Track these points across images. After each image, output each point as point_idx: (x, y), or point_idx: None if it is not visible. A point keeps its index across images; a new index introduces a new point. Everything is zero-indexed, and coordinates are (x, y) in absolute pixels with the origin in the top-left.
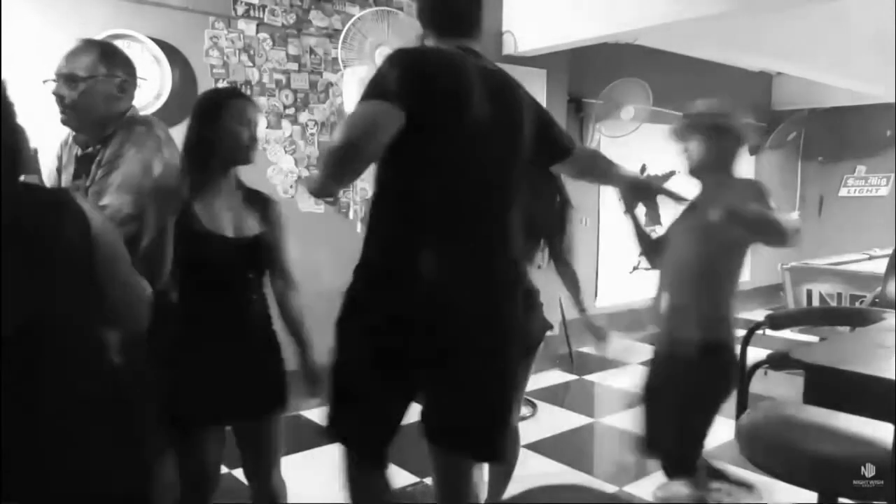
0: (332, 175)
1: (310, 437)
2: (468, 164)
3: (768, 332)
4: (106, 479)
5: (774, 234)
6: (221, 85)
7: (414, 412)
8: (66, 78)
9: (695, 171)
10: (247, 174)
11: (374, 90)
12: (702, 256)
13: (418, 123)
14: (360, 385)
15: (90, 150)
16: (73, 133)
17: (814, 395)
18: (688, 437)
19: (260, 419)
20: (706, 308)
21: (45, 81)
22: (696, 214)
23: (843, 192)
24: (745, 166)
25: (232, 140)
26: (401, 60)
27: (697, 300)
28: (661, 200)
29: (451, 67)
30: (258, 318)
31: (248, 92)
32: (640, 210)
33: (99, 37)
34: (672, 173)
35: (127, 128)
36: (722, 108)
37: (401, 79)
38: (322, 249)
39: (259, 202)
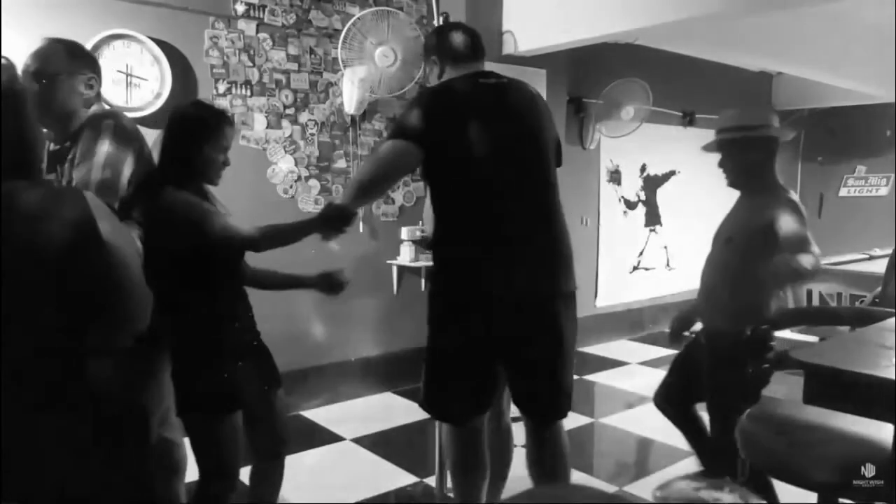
0: (355, 202)
1: (310, 437)
2: (499, 169)
3: None
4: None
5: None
6: (221, 85)
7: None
8: (33, 75)
9: (734, 184)
10: (247, 174)
11: (397, 130)
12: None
13: (441, 153)
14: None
15: (59, 147)
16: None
17: (814, 395)
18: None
19: (267, 396)
20: (744, 303)
21: None
22: (738, 221)
23: (843, 192)
24: None
25: (207, 166)
26: (419, 100)
27: (736, 296)
28: (659, 199)
29: (463, 98)
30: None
31: (248, 92)
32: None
33: (98, 37)
34: (672, 173)
35: (94, 124)
36: (753, 117)
37: (420, 118)
38: (322, 249)
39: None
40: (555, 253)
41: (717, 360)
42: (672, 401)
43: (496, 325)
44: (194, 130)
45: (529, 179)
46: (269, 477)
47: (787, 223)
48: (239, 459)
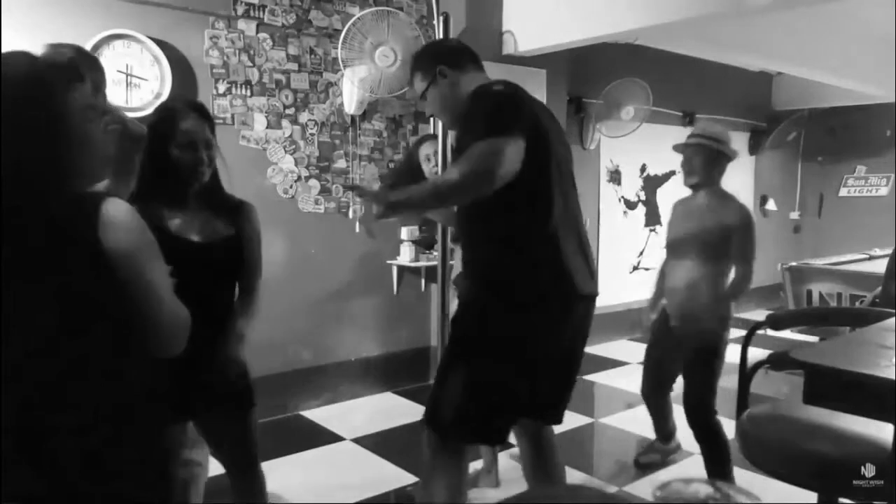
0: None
1: (310, 437)
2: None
3: (768, 332)
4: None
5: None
6: (221, 85)
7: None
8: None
9: (691, 183)
10: (247, 174)
11: (500, 126)
12: (700, 249)
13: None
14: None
15: None
16: None
17: (814, 395)
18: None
19: (231, 417)
20: (706, 288)
21: None
22: (693, 216)
23: (843, 192)
24: (745, 167)
25: (181, 168)
26: (513, 98)
27: (700, 281)
28: (659, 199)
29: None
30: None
31: (248, 92)
32: None
33: (98, 37)
34: (672, 173)
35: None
36: (718, 133)
37: (525, 115)
38: (322, 249)
39: (229, 206)
40: (590, 255)
41: (693, 345)
42: (649, 390)
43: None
44: (158, 136)
45: (573, 183)
46: (248, 490)
47: (738, 225)
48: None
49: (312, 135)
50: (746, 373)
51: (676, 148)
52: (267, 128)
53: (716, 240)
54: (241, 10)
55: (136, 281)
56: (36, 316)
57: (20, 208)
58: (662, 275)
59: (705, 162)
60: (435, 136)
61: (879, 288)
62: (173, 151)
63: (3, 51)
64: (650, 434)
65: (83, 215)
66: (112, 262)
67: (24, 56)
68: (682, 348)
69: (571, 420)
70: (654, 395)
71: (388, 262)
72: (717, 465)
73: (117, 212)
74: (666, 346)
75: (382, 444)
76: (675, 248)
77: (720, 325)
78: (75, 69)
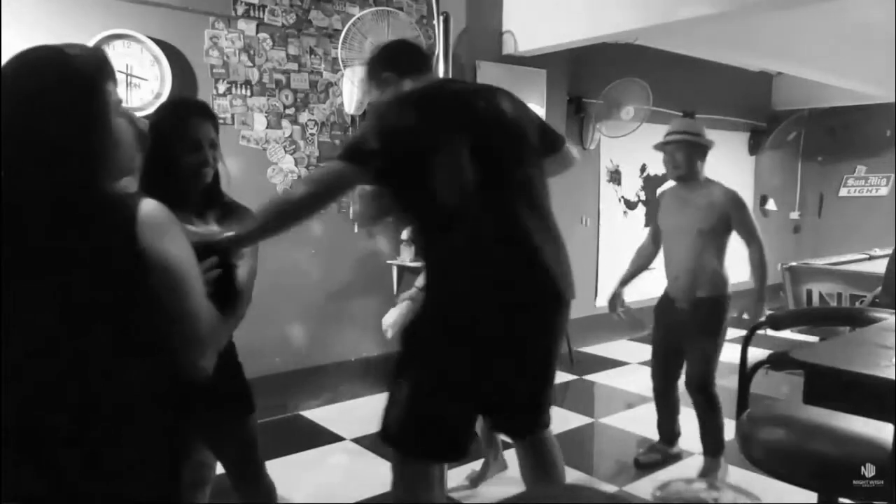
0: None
1: (310, 437)
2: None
3: (768, 332)
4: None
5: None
6: (221, 85)
7: None
8: None
9: (677, 175)
10: (247, 174)
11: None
12: (694, 241)
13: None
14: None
15: None
16: None
17: (814, 395)
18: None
19: (234, 423)
20: (708, 264)
21: None
22: (688, 203)
23: (843, 192)
24: (745, 167)
25: (185, 168)
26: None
27: (703, 260)
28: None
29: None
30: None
31: (248, 92)
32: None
33: (98, 37)
34: None
35: None
36: (694, 127)
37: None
38: (322, 249)
39: (227, 209)
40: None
41: (701, 320)
42: (661, 384)
43: None
44: (161, 134)
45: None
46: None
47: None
48: None
49: (312, 135)
50: (746, 373)
51: (657, 147)
52: (267, 128)
53: (713, 221)
54: (241, 10)
55: (173, 286)
56: (52, 313)
57: (60, 201)
58: (641, 255)
59: (687, 155)
60: None
61: (879, 288)
62: (178, 151)
63: (23, 48)
64: (650, 434)
65: (120, 214)
66: (148, 262)
67: (61, 51)
68: (685, 330)
69: (571, 420)
70: (667, 389)
71: (388, 262)
72: (711, 436)
73: (155, 212)
74: (671, 335)
75: (382, 444)
76: (671, 234)
77: (724, 290)
78: (109, 65)
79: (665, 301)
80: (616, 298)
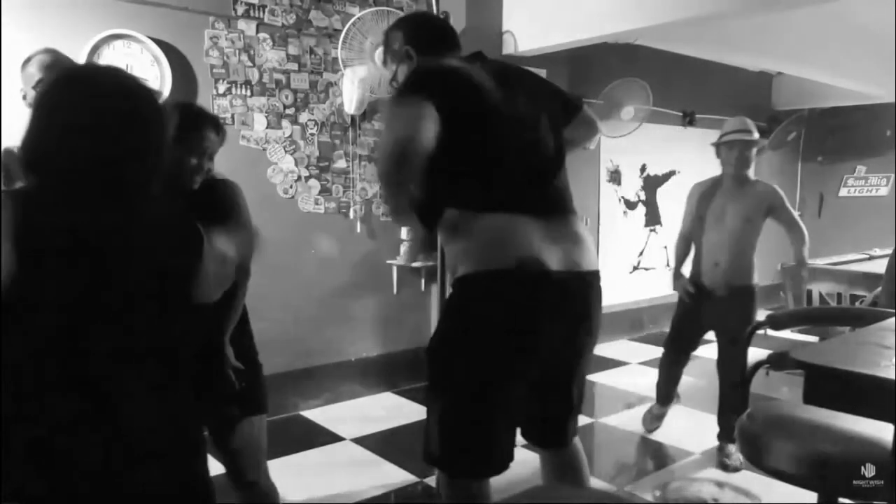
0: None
1: (310, 437)
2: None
3: (768, 332)
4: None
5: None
6: (221, 85)
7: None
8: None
9: (732, 172)
10: (247, 174)
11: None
12: (741, 230)
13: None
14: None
15: None
16: None
17: (814, 395)
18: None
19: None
20: (748, 251)
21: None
22: (734, 197)
23: (843, 192)
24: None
25: (183, 171)
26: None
27: (744, 249)
28: (659, 199)
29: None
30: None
31: (248, 92)
32: None
33: (98, 37)
34: (672, 173)
35: None
36: (748, 125)
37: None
38: (320, 249)
39: (209, 191)
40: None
41: (738, 305)
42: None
43: None
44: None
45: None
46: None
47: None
48: None
49: (312, 135)
50: (746, 373)
51: (714, 145)
52: (267, 128)
53: (757, 215)
54: (241, 10)
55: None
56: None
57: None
58: (687, 243)
59: (741, 152)
60: None
61: (879, 288)
62: (179, 152)
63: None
64: (650, 434)
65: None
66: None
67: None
68: (718, 316)
69: None
70: (676, 363)
71: (388, 262)
72: (726, 416)
73: None
74: (695, 319)
75: (382, 444)
76: (718, 222)
77: (754, 280)
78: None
79: (696, 286)
80: (679, 279)
